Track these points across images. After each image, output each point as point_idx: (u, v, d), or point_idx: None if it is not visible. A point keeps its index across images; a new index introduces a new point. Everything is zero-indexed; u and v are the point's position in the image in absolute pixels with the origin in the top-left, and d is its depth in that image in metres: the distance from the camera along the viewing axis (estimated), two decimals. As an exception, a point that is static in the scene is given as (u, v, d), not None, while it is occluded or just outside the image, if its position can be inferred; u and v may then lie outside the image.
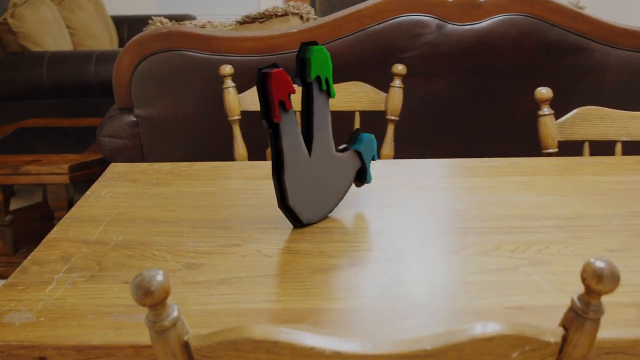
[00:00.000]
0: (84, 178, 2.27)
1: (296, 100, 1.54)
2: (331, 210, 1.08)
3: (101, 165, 2.07)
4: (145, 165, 1.34)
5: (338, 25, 1.80)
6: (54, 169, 2.22)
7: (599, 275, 0.60)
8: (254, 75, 1.79)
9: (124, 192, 1.20)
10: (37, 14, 3.04)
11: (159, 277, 0.62)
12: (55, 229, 1.05)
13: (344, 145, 1.11)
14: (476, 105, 1.89)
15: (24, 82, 2.82)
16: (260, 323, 0.76)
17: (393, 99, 1.66)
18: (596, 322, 0.63)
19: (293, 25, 2.02)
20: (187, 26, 1.89)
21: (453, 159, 1.34)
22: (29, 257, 0.95)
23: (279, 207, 1.02)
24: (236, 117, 1.69)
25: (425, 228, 1.03)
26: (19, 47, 2.99)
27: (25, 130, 2.63)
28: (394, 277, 0.88)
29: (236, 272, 0.90)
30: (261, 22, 1.97)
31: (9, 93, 2.85)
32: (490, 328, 0.61)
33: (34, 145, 2.44)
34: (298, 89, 1.02)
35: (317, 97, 1.03)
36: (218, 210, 1.11)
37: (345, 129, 1.83)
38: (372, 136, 1.13)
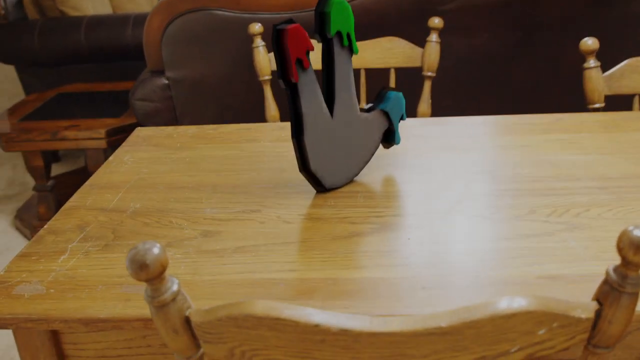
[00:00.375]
0: (121, 142, 2.26)
1: (316, 58, 1.48)
2: (356, 174, 1.03)
3: (145, 126, 2.06)
4: (170, 128, 1.31)
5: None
6: (91, 134, 2.23)
7: (636, 246, 0.54)
8: None
9: (146, 157, 1.18)
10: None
11: (155, 250, 0.59)
12: (74, 197, 1.03)
13: (369, 105, 1.05)
14: (518, 59, 1.78)
15: (63, 47, 2.82)
16: (266, 298, 0.72)
17: (429, 55, 1.58)
18: (634, 297, 0.56)
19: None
20: (215, -16, 1.83)
21: (490, 116, 1.26)
22: (45, 226, 0.94)
23: (300, 171, 0.97)
24: (267, 77, 1.64)
25: (455, 191, 0.97)
26: (58, 13, 2.99)
27: (65, 96, 2.64)
28: (419, 245, 0.83)
29: (253, 239, 0.87)
30: (292, -23, 1.89)
31: (48, 59, 2.86)
32: (513, 303, 0.56)
33: (73, 111, 2.45)
34: (318, 46, 0.96)
35: (339, 53, 0.97)
36: (240, 175, 1.07)
37: (380, 87, 1.76)
38: (400, 94, 1.06)
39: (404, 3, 1.74)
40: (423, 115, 1.62)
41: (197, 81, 1.86)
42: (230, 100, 1.87)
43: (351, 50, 0.98)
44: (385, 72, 1.67)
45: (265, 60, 1.62)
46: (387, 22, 1.76)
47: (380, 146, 1.08)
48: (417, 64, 1.60)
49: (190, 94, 1.88)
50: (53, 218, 0.97)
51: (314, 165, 0.96)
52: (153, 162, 1.15)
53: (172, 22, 1.78)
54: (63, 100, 2.59)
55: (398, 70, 1.68)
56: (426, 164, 1.07)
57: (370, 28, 1.75)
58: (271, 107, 1.65)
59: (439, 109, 1.66)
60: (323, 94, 0.98)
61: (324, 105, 0.96)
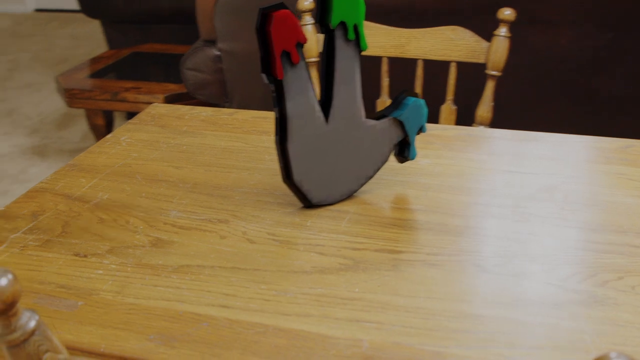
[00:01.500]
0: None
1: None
2: (355, 190, 0.88)
3: (196, 98, 1.98)
4: (186, 108, 1.21)
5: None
6: (150, 98, 2.18)
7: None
8: None
9: (143, 139, 1.08)
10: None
11: (3, 281, 0.48)
12: (48, 177, 0.95)
13: (381, 111, 0.89)
14: (608, 65, 1.53)
15: (145, 5, 2.79)
16: (179, 340, 0.60)
17: (496, 51, 1.37)
18: None
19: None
20: (275, -48, 1.69)
21: (557, 135, 1.06)
22: (1, 208, 0.86)
23: (283, 181, 0.83)
24: (313, 59, 1.50)
25: (469, 232, 0.80)
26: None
27: (138, 56, 2.61)
28: (391, 295, 0.67)
29: (202, 258, 0.74)
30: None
31: (131, 16, 2.84)
32: None
33: (141, 72, 2.42)
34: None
35: (341, 48, 0.81)
36: (228, 173, 0.95)
37: (440, 82, 1.57)
38: (422, 102, 0.89)
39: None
40: (482, 120, 1.43)
41: (249, 55, 1.74)
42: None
43: (359, 46, 0.82)
44: (445, 65, 1.48)
45: (313, 41, 1.48)
46: (456, 9, 1.56)
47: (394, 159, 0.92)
48: (482, 60, 1.40)
49: (241, 69, 1.77)
50: (14, 200, 0.88)
51: (298, 176, 0.82)
52: (147, 146, 1.05)
53: (227, -9, 1.67)
54: (135, 60, 2.57)
55: (461, 65, 1.48)
56: (452, 187, 0.90)
57: (436, 15, 1.56)
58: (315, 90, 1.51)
59: (503, 115, 1.45)
60: (321, 94, 0.83)
61: (317, 107, 0.81)
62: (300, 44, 0.77)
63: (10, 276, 0.48)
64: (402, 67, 1.57)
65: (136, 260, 0.74)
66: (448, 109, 1.46)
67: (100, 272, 0.72)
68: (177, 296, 0.68)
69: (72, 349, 0.61)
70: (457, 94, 1.52)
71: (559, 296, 0.67)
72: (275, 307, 0.66)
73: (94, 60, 2.55)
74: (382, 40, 1.48)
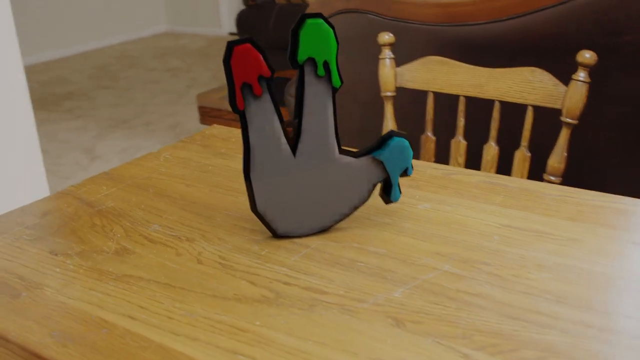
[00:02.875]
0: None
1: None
2: (328, 226, 0.87)
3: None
4: (237, 132, 1.27)
5: (535, -5, 1.43)
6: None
7: None
8: (431, 46, 1.58)
9: (181, 156, 1.16)
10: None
11: None
12: (81, 182, 1.06)
13: (364, 149, 0.88)
14: None
15: (256, 32, 2.95)
16: (74, 339, 0.65)
17: (571, 97, 1.27)
18: None
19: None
20: (372, -13, 1.71)
21: (622, 198, 0.96)
22: (31, 202, 0.98)
23: (251, 210, 0.85)
24: (389, 94, 1.50)
25: (410, 282, 0.76)
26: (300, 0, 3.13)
27: (278, 80, 2.77)
28: (274, 335, 0.67)
29: (146, 271, 0.79)
30: (467, -14, 1.67)
31: (278, 42, 3.01)
32: None
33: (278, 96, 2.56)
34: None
35: (311, 83, 0.82)
36: (227, 195, 0.99)
37: (517, 124, 1.48)
38: (405, 142, 0.86)
39: (572, 27, 1.42)
40: (553, 172, 1.32)
41: (346, 86, 1.78)
42: (368, 108, 1.76)
43: (330, 83, 0.82)
44: (523, 108, 1.39)
45: (389, 75, 1.48)
46: (551, 48, 1.46)
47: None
48: (559, 105, 1.30)
49: (339, 99, 1.81)
50: (41, 198, 1.01)
51: (261, 206, 0.84)
52: (179, 163, 1.13)
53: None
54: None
55: (544, 110, 1.39)
56: (440, 237, 0.86)
57: (529, 51, 1.47)
58: (388, 125, 1.51)
59: (578, 166, 1.33)
60: (294, 127, 0.84)
61: (283, 140, 0.83)
62: (263, 77, 0.80)
63: None
64: (478, 107, 1.50)
65: (92, 265, 0.81)
66: (522, 155, 1.37)
67: (58, 270, 0.80)
68: (100, 302, 0.73)
69: (-7, 333, 0.69)
70: (533, 140, 1.42)
71: (453, 365, 0.61)
72: (172, 325, 0.68)
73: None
74: (461, 78, 1.43)
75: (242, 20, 3.16)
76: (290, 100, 1.89)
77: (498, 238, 0.85)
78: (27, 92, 1.90)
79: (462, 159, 1.46)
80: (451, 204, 0.95)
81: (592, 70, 1.24)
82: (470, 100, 1.44)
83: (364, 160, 0.86)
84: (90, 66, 5.57)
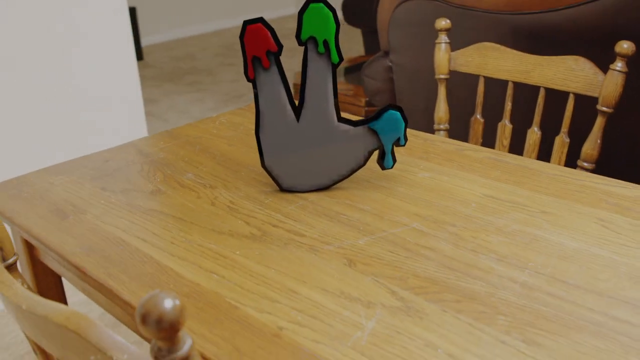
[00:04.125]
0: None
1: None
2: (328, 184, 1.00)
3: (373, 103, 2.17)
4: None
5: (589, -16, 1.44)
6: (354, 100, 2.42)
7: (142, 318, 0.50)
8: (491, 33, 1.65)
9: (235, 122, 1.33)
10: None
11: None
12: (145, 137, 1.26)
13: (359, 119, 0.99)
14: None
15: (358, 17, 3.03)
16: (97, 254, 0.83)
17: (607, 86, 1.29)
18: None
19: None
20: (441, -26, 1.77)
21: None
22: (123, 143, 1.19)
23: (261, 165, 1.00)
24: (442, 76, 1.58)
25: (379, 234, 0.87)
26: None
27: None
28: (246, 262, 0.81)
29: (170, 208, 0.96)
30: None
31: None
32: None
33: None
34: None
35: (313, 59, 0.94)
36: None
37: (559, 111, 1.51)
38: (397, 115, 0.97)
39: (622, 18, 1.42)
40: (586, 158, 1.35)
41: (415, 69, 1.87)
42: (433, 89, 1.83)
43: (330, 59, 0.94)
44: (565, 95, 1.42)
45: (444, 59, 1.56)
46: (600, 38, 1.47)
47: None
48: (596, 93, 1.32)
49: (407, 80, 1.90)
50: (110, 148, 1.21)
51: (268, 162, 0.98)
52: (230, 127, 1.29)
53: (399, 7, 1.82)
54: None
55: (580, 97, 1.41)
56: (426, 202, 0.96)
57: (579, 43, 1.49)
58: (440, 108, 1.59)
59: (612, 153, 1.34)
60: (300, 97, 0.98)
61: (288, 107, 0.96)
62: (271, 52, 0.93)
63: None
64: (526, 92, 1.54)
65: (129, 200, 0.99)
66: (561, 140, 1.40)
67: (102, 202, 0.99)
68: (125, 227, 0.91)
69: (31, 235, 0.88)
70: (574, 127, 1.44)
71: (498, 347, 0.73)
72: (172, 248, 0.85)
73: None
74: (510, 64, 1.49)
75: (348, 3, 3.29)
76: (366, 80, 2.00)
77: (475, 205, 0.93)
78: (135, 65, 2.13)
79: (507, 142, 1.51)
80: (449, 175, 1.04)
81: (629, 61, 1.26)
82: (517, 85, 1.49)
83: (361, 129, 0.98)
84: (217, 44, 5.95)
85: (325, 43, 0.94)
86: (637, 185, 0.98)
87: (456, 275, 0.77)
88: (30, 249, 1.03)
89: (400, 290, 0.74)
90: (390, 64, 1.93)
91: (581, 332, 0.66)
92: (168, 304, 0.47)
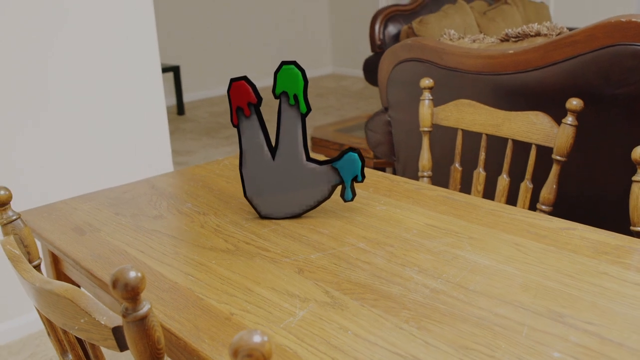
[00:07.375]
0: (380, 164, 2.61)
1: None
2: (298, 213, 1.20)
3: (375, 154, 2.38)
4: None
5: (550, 49, 1.64)
6: (365, 153, 2.63)
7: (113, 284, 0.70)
8: (473, 91, 1.86)
9: (235, 164, 1.55)
10: (445, 21, 3.42)
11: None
12: (158, 176, 1.49)
13: (325, 159, 1.20)
14: None
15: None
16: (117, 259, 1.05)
17: (561, 137, 1.47)
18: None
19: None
20: (428, 39, 1.99)
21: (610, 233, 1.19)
22: (144, 179, 1.43)
23: (244, 196, 1.21)
24: (426, 129, 1.78)
25: (331, 252, 1.06)
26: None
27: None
28: (216, 267, 1.01)
29: (167, 228, 1.18)
30: (515, 41, 1.89)
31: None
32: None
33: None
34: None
35: (285, 110, 1.16)
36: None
37: (522, 161, 1.69)
38: (355, 156, 1.17)
39: (579, 79, 1.60)
40: (544, 201, 1.52)
41: (408, 123, 2.07)
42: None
43: (299, 110, 1.16)
44: (528, 145, 1.60)
45: (427, 113, 1.76)
46: (561, 96, 1.65)
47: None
48: (552, 144, 1.50)
49: (403, 133, 2.11)
50: (129, 183, 1.45)
51: (249, 193, 1.20)
52: (231, 169, 1.52)
53: (395, 67, 2.04)
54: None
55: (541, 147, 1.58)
56: (376, 229, 1.15)
57: (543, 100, 1.68)
58: (424, 157, 1.78)
59: (570, 201, 1.50)
60: (276, 140, 1.19)
61: (266, 148, 1.18)
62: (252, 103, 1.16)
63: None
64: (497, 144, 1.72)
65: (136, 222, 1.22)
66: (525, 186, 1.58)
67: (114, 223, 1.21)
68: (129, 242, 1.13)
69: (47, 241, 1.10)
70: (537, 175, 1.62)
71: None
72: (162, 258, 1.06)
73: (352, 119, 3.13)
74: (483, 119, 1.68)
75: (368, 64, 3.55)
76: (369, 133, 2.22)
77: (416, 232, 1.12)
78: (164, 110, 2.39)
79: (481, 187, 1.69)
80: (402, 208, 1.23)
81: (579, 115, 1.44)
82: (490, 137, 1.67)
83: (325, 167, 1.18)
84: (256, 101, 6.31)
85: (295, 97, 1.16)
86: (559, 219, 1.15)
87: (381, 281, 0.95)
88: (55, 262, 1.25)
89: (333, 290, 0.93)
90: (389, 118, 2.14)
91: (465, 323, 0.83)
92: (132, 274, 0.68)
